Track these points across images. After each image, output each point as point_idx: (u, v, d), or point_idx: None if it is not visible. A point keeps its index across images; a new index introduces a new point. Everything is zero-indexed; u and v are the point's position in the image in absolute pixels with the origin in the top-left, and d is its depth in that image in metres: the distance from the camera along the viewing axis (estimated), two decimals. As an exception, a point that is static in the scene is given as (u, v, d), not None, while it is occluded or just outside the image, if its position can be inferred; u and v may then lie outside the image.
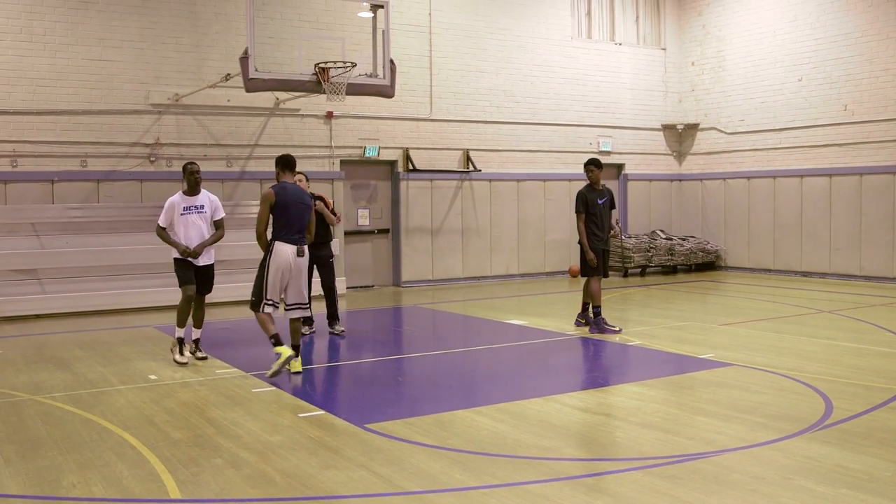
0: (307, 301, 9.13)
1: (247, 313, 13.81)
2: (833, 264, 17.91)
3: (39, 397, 7.97)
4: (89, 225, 14.09)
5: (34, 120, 14.03)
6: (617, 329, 11.16)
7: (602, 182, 11.56)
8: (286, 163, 9.09)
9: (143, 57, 14.82)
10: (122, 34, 14.63)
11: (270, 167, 15.72)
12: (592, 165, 11.48)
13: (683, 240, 20.01)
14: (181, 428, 6.83)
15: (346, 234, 16.72)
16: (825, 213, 18.01)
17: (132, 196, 14.77)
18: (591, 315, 11.44)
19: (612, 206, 11.60)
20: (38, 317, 13.49)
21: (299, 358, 8.93)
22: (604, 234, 11.38)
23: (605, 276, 11.45)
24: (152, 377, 8.84)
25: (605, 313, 11.73)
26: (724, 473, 5.51)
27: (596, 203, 11.29)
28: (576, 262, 18.45)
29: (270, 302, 8.81)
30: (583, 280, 11.66)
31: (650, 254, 19.18)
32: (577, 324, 11.72)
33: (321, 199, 11.40)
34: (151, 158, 14.92)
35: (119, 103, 14.66)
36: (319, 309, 11.49)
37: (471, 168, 18.11)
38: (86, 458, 6.04)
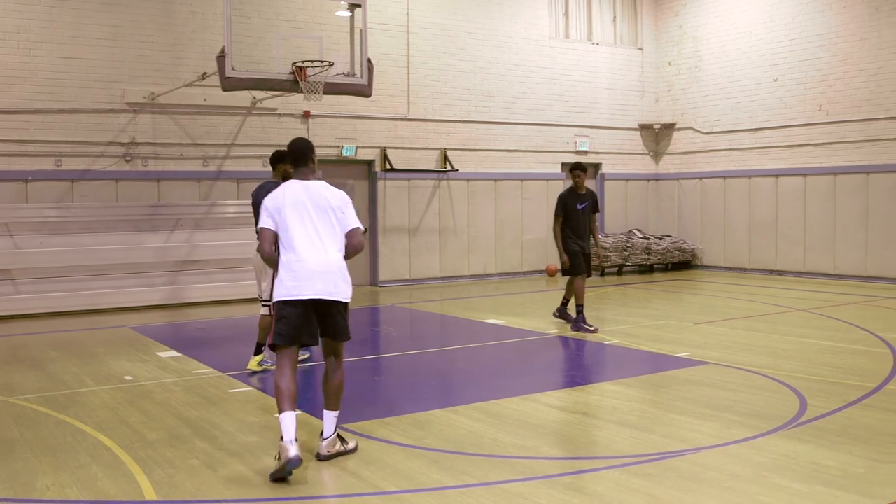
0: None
1: (223, 313, 13.79)
2: (807, 263, 18.06)
3: (13, 399, 7.89)
4: (64, 225, 13.96)
5: (7, 118, 13.88)
6: (592, 329, 11.19)
7: (585, 186, 11.48)
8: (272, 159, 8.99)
9: (118, 55, 14.71)
10: (97, 32, 14.51)
11: (247, 166, 15.77)
12: (578, 170, 11.39)
13: (660, 239, 20.11)
14: (157, 429, 6.78)
15: (324, 233, 16.66)
16: (800, 212, 18.16)
17: (107, 196, 14.65)
18: (572, 313, 11.46)
19: (595, 210, 11.53)
20: (11, 317, 13.35)
21: (259, 356, 9.00)
22: (580, 237, 11.36)
23: (588, 275, 11.48)
24: (127, 378, 8.78)
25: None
26: (700, 471, 5.54)
27: (575, 208, 11.27)
28: (553, 262, 18.53)
29: (265, 303, 8.81)
30: (563, 279, 11.69)
31: (627, 253, 19.26)
32: (555, 315, 11.80)
33: None
34: (127, 158, 14.81)
35: (94, 102, 14.53)
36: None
37: (448, 167, 18.11)
38: (60, 459, 5.99)
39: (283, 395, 5.61)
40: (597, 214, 11.58)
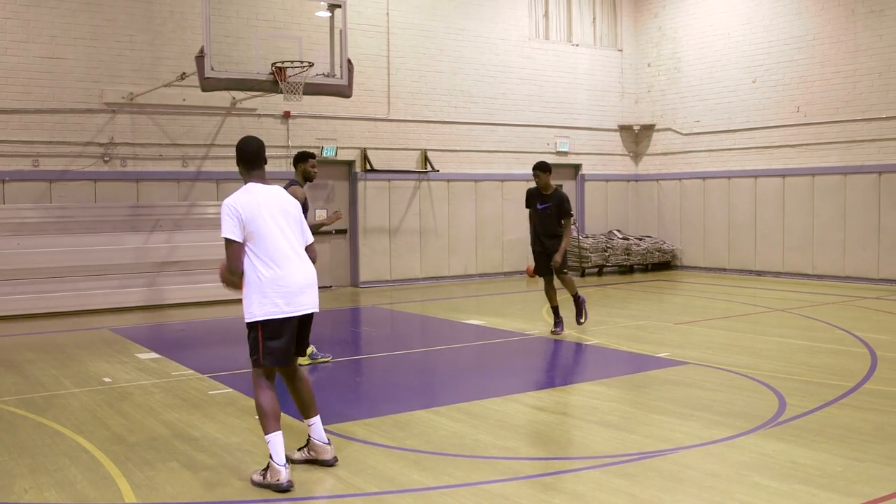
0: None
1: (203, 315, 13.72)
2: (786, 263, 18.18)
3: (-10, 401, 7.83)
4: (42, 225, 13.84)
5: (-16, 119, 13.79)
6: (556, 331, 11.09)
7: (556, 188, 11.04)
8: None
9: (97, 55, 14.61)
10: (75, 31, 14.41)
11: (227, 167, 15.69)
12: (537, 170, 10.91)
13: (640, 240, 20.19)
14: (136, 431, 6.74)
15: (304, 234, 16.61)
16: (778, 212, 18.28)
17: (86, 196, 14.55)
18: (563, 315, 11.27)
19: (564, 215, 10.89)
20: (-12, 319, 13.25)
21: (308, 349, 9.23)
22: (539, 235, 11.02)
23: (550, 274, 11.12)
24: (107, 380, 8.72)
25: (561, 313, 11.46)
26: (680, 471, 5.56)
27: (535, 206, 10.99)
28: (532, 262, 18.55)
29: None
30: (537, 278, 11.51)
31: (607, 253, 19.32)
32: (578, 323, 11.41)
33: None
34: (105, 158, 14.72)
35: (72, 102, 14.43)
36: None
37: (429, 168, 18.11)
38: (38, 462, 5.94)
39: (272, 416, 5.40)
40: (571, 219, 10.96)
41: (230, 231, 5.36)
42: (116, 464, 5.87)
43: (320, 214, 16.82)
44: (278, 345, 5.46)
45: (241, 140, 5.75)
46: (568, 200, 11.01)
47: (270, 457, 5.36)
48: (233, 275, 5.42)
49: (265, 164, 5.72)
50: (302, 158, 8.94)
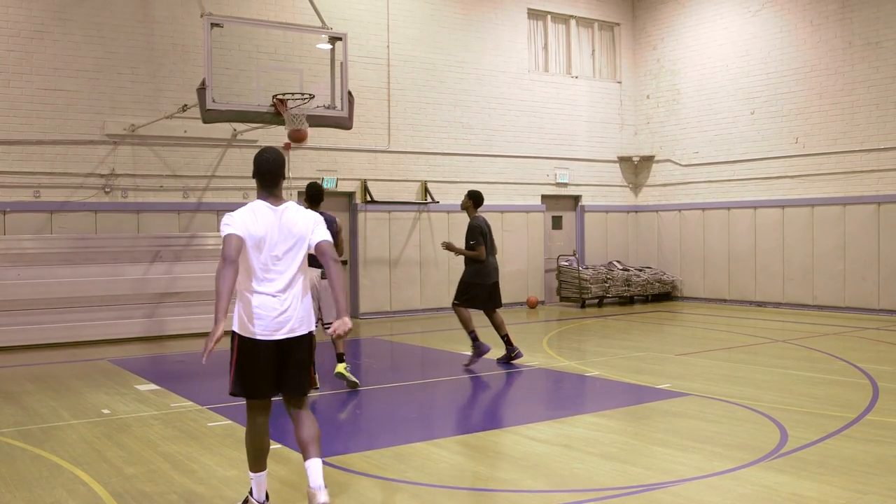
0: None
1: (203, 346, 13.68)
2: (786, 294, 18.17)
3: (-12, 433, 7.79)
4: (42, 256, 13.85)
5: (-14, 150, 13.84)
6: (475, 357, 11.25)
7: (475, 216, 11.61)
8: (310, 196, 9.70)
9: (99, 87, 14.70)
10: (78, 64, 14.51)
11: (228, 198, 15.73)
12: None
13: (640, 270, 20.19)
14: (135, 463, 6.70)
15: (304, 265, 16.61)
16: (778, 243, 18.29)
17: (86, 227, 14.57)
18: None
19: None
20: (-13, 350, 13.22)
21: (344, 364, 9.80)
22: None
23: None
24: (105, 411, 8.68)
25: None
26: (682, 503, 5.52)
27: None
28: (533, 293, 18.54)
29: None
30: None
31: (607, 284, 19.31)
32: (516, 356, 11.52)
33: None
34: (106, 189, 14.76)
35: (74, 133, 14.50)
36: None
37: (429, 199, 18.15)
38: (35, 495, 5.90)
39: (253, 455, 5.25)
40: (475, 245, 11.49)
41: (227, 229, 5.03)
42: (114, 496, 5.83)
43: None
44: (250, 371, 5.19)
45: (259, 151, 5.39)
46: (470, 229, 11.53)
47: (250, 491, 5.31)
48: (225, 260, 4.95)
49: (280, 181, 5.29)
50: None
